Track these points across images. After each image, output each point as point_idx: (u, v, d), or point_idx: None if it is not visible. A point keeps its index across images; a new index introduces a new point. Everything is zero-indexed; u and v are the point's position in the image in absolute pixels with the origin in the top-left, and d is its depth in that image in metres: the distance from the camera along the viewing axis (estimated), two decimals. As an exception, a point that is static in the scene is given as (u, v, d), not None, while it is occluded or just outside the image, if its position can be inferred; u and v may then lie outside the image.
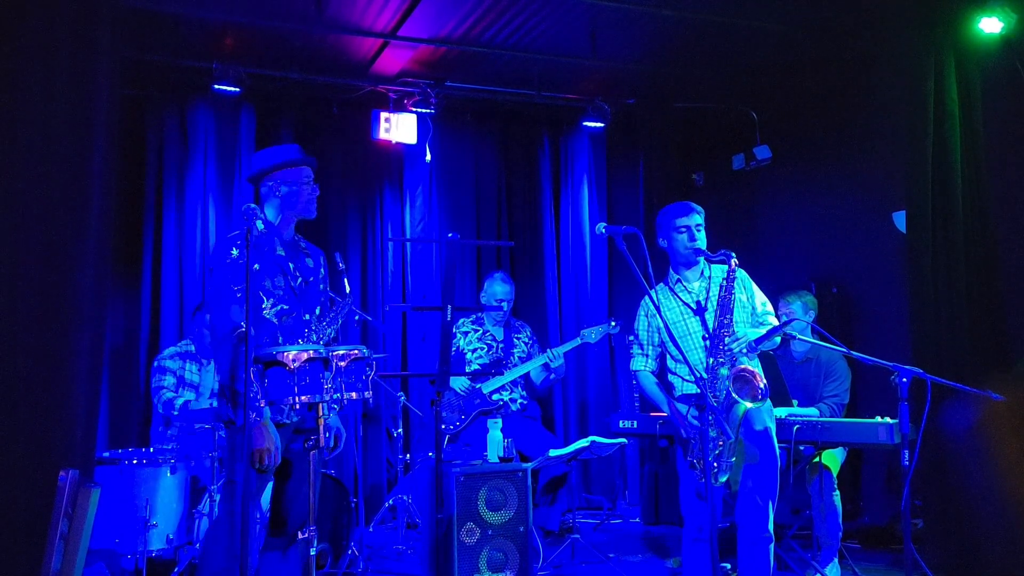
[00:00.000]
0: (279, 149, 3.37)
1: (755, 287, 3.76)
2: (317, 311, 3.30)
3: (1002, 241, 4.51)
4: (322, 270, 3.40)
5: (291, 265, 3.23)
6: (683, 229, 3.65)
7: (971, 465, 3.92)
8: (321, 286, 3.36)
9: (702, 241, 3.66)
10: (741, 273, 3.63)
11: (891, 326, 5.25)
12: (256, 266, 3.06)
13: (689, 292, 3.67)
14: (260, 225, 3.17)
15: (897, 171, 5.00)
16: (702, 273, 3.71)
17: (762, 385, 3.42)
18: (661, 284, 3.75)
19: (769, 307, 3.77)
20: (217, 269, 3.12)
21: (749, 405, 3.40)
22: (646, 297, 3.70)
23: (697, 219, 3.67)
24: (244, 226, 2.92)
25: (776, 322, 3.73)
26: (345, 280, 3.37)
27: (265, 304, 3.11)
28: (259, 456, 2.94)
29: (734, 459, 3.44)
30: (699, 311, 3.42)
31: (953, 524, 4.32)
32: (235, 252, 3.07)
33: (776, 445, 3.63)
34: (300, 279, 3.23)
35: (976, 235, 4.48)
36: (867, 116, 5.66)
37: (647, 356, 3.76)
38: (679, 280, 3.72)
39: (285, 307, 3.16)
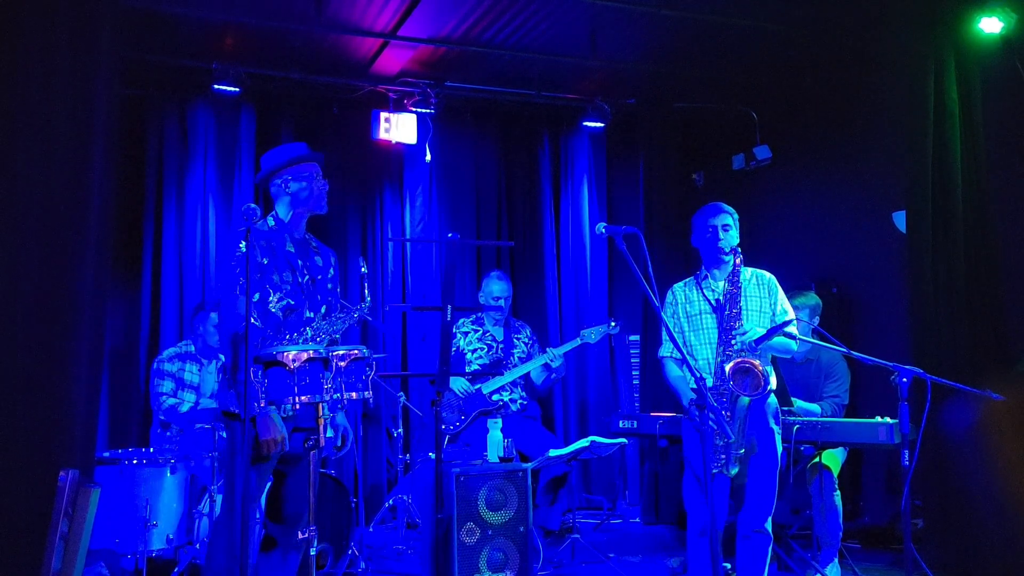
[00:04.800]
0: (287, 147, 3.40)
1: (781, 294, 3.79)
2: (323, 310, 3.29)
3: (1002, 241, 4.51)
4: (331, 270, 3.40)
5: (300, 262, 3.25)
6: (711, 229, 3.75)
7: (971, 465, 3.92)
8: (329, 285, 3.36)
9: (726, 241, 3.73)
10: (771, 280, 3.75)
11: (891, 326, 5.24)
12: (264, 260, 3.12)
13: (713, 291, 3.75)
14: (271, 221, 3.24)
15: (897, 171, 5.00)
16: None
17: (762, 371, 3.43)
18: (691, 278, 3.84)
19: (790, 315, 3.75)
20: (223, 264, 3.14)
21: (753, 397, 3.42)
22: (676, 285, 3.83)
23: (726, 219, 3.76)
24: (244, 225, 2.92)
25: (796, 331, 3.76)
26: (366, 286, 3.31)
27: (272, 298, 3.13)
28: (267, 447, 2.96)
29: (742, 451, 3.48)
30: (717, 308, 3.54)
31: (953, 524, 4.32)
32: (243, 246, 3.06)
33: (778, 443, 3.64)
34: (308, 276, 3.25)
35: (976, 235, 4.48)
36: (867, 116, 5.66)
37: (675, 343, 3.75)
38: (707, 276, 3.80)
39: (291, 302, 3.17)
